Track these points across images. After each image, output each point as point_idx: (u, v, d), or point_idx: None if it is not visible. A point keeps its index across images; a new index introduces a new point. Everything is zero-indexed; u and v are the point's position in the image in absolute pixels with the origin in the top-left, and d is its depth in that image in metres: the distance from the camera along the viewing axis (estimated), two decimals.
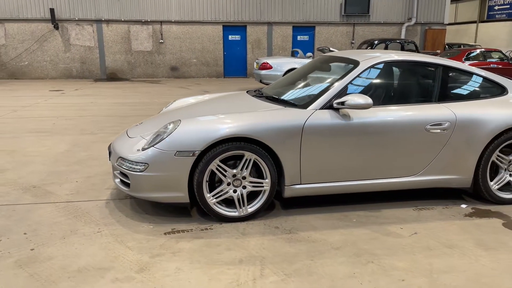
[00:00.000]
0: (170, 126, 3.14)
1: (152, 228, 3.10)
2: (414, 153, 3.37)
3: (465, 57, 12.51)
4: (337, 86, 3.35)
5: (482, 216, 3.35)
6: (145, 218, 3.26)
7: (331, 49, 12.48)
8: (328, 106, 3.28)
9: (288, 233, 3.04)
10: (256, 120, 3.11)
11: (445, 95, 3.54)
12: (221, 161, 3.11)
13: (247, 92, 4.17)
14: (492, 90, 3.69)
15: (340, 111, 3.26)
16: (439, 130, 3.36)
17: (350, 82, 3.37)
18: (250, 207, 3.22)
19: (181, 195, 3.10)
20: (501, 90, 3.68)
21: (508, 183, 3.58)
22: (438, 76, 3.57)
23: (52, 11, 15.94)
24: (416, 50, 15.74)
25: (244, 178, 3.16)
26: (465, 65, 3.69)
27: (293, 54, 13.03)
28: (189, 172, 3.05)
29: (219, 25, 16.99)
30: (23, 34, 16.28)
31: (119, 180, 3.32)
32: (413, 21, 17.85)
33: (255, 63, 12.56)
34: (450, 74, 3.64)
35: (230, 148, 3.05)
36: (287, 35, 17.50)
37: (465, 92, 3.67)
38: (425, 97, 3.55)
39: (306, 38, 17.71)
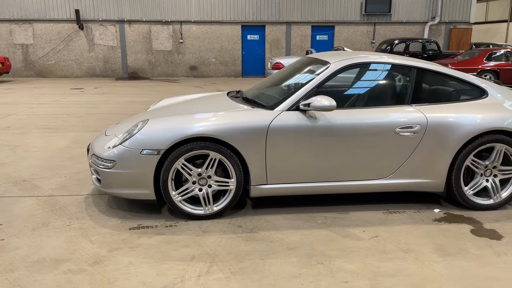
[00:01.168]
0: (139, 125, 3.26)
1: (119, 223, 3.22)
2: (383, 155, 3.35)
3: (485, 58, 12.09)
4: (305, 88, 3.36)
5: (452, 222, 3.28)
6: (116, 214, 3.39)
7: (345, 49, 12.34)
8: (295, 107, 3.30)
9: (249, 232, 3.10)
10: (222, 120, 3.18)
11: (419, 98, 3.49)
12: (188, 159, 3.19)
13: (228, 93, 4.24)
14: (472, 93, 3.60)
15: (307, 113, 3.28)
16: (409, 133, 3.32)
17: (319, 84, 3.38)
18: (216, 206, 3.29)
19: (147, 192, 3.20)
20: (480, 93, 3.59)
21: (485, 188, 3.49)
22: (413, 79, 3.53)
23: (77, 12, 16.51)
24: (438, 50, 15.35)
25: (209, 177, 3.24)
26: (444, 68, 3.62)
27: (307, 54, 12.97)
28: (155, 170, 3.15)
29: (238, 25, 17.11)
30: (50, 34, 16.95)
31: (95, 176, 3.46)
32: (437, 20, 17.39)
33: (269, 63, 12.60)
34: (426, 76, 3.58)
35: (194, 147, 3.13)
36: (305, 35, 17.42)
37: (441, 95, 3.61)
38: (397, 100, 3.51)
39: (325, 37, 17.58)
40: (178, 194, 3.22)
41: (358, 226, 3.20)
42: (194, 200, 3.32)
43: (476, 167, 3.43)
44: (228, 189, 3.28)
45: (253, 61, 17.50)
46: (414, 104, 3.45)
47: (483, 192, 3.51)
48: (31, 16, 16.67)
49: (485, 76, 11.99)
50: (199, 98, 4.28)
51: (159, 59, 17.37)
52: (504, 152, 3.43)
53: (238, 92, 4.23)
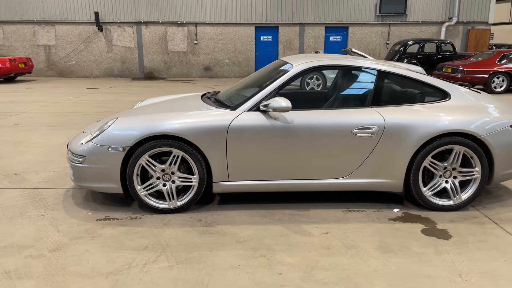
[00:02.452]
0: (108, 123, 3.48)
1: (89, 215, 3.45)
2: (342, 155, 3.45)
3: (498, 60, 11.84)
4: (267, 89, 3.51)
5: (406, 221, 3.36)
6: (89, 206, 3.63)
7: (353, 50, 12.32)
8: (256, 108, 3.45)
9: (207, 226, 3.27)
10: (184, 119, 3.37)
11: (380, 100, 3.58)
12: (155, 156, 3.39)
13: (205, 94, 4.42)
14: (434, 95, 3.66)
15: (268, 114, 3.43)
16: (367, 134, 3.41)
17: (280, 86, 3.52)
18: (180, 201, 3.48)
19: (115, 186, 3.42)
20: (442, 96, 3.64)
21: (446, 189, 3.53)
22: (374, 81, 3.61)
23: (96, 14, 17.10)
24: (454, 51, 15.10)
25: (173, 173, 3.43)
26: (407, 71, 3.69)
27: None
28: (121, 166, 3.36)
29: (252, 26, 17.31)
30: (71, 36, 17.61)
31: (71, 171, 3.71)
32: (454, 20, 17.09)
33: None
34: (388, 79, 3.66)
35: (158, 145, 3.32)
36: (319, 36, 17.44)
37: (402, 97, 3.67)
38: (358, 101, 3.60)
39: (339, 38, 17.55)
40: (143, 188, 3.43)
41: (313, 223, 3.32)
42: (162, 195, 3.51)
43: (435, 169, 3.49)
44: (191, 185, 3.46)
45: (266, 62, 17.63)
46: (375, 106, 3.53)
47: (445, 193, 3.56)
48: (53, 18, 17.37)
49: (498, 78, 11.75)
50: (176, 99, 4.48)
51: (174, 60, 17.76)
52: (464, 154, 3.47)
53: (215, 93, 4.41)
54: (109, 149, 3.33)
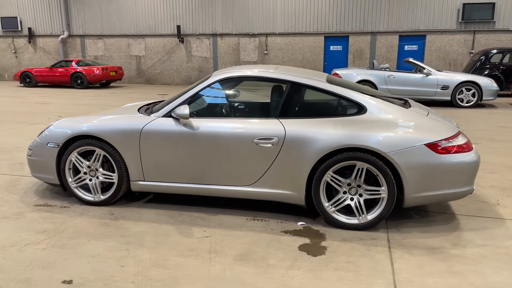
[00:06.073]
0: (52, 123, 4.05)
1: (35, 201, 4.04)
2: (245, 164, 3.51)
3: None
4: (182, 97, 3.74)
5: (297, 235, 3.28)
6: (43, 193, 4.23)
7: (410, 60, 11.59)
8: (169, 114, 3.71)
9: (112, 219, 3.61)
10: (106, 122, 3.77)
11: (289, 112, 3.54)
12: (83, 153, 3.86)
13: (153, 102, 4.77)
14: (349, 109, 3.51)
15: (179, 120, 3.65)
16: (268, 145, 3.43)
17: (194, 94, 3.71)
18: (103, 195, 3.88)
19: (52, 177, 3.96)
20: (358, 109, 3.46)
21: (353, 206, 3.36)
22: (285, 93, 3.59)
23: (178, 27, 18.67)
24: None
25: (97, 170, 3.85)
26: (321, 83, 3.58)
27: (372, 65, 12.54)
28: (57, 160, 3.89)
29: (321, 36, 17.23)
30: (157, 47, 19.47)
31: None
32: None
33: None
34: (300, 91, 3.61)
35: (82, 144, 3.78)
36: (392, 45, 16.64)
37: (314, 110, 3.58)
38: (266, 112, 3.63)
39: (414, 48, 16.53)
40: (74, 181, 3.91)
41: (206, 226, 3.44)
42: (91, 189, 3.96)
43: (338, 184, 3.35)
44: (112, 182, 3.85)
45: None
46: (282, 118, 3.52)
47: (350, 210, 3.39)
48: (144, 32, 19.41)
49: None
50: (129, 105, 4.90)
51: None
52: (370, 172, 3.28)
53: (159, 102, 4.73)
54: (48, 145, 3.88)
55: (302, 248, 3.07)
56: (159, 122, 3.68)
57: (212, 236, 3.26)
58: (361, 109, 3.46)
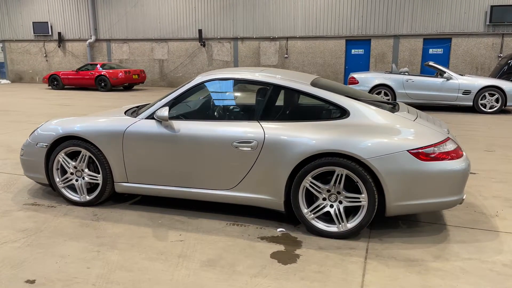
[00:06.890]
0: (42, 124, 4.12)
1: (26, 199, 4.12)
2: (224, 167, 3.45)
3: None
4: (165, 99, 3.72)
5: (272, 241, 3.18)
6: (35, 193, 4.31)
7: (430, 63, 11.22)
8: (152, 116, 3.69)
9: (94, 220, 3.62)
10: (91, 123, 3.80)
11: (271, 115, 3.45)
12: (70, 154, 3.90)
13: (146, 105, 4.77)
14: (332, 113, 3.39)
15: (161, 122, 3.63)
16: (248, 148, 3.35)
17: (177, 96, 3.68)
18: (89, 196, 3.91)
19: (42, 177, 4.02)
20: (341, 113, 3.34)
21: (333, 214, 3.23)
22: (268, 96, 3.51)
23: (200, 31, 18.86)
24: None
25: (83, 170, 3.88)
26: (304, 86, 3.46)
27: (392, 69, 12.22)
28: (45, 160, 3.95)
29: (342, 39, 16.98)
30: (180, 51, 19.73)
31: None
32: None
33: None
34: (284, 94, 3.51)
35: (69, 144, 3.82)
36: (416, 49, 16.18)
37: (296, 113, 3.48)
38: (247, 115, 3.54)
39: (439, 51, 16.02)
40: (62, 181, 3.95)
41: (182, 230, 3.40)
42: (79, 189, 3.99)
43: (317, 191, 3.23)
44: (97, 183, 3.87)
45: None
46: (264, 121, 3.43)
47: (331, 218, 3.26)
48: (167, 36, 19.72)
49: None
50: (127, 107, 4.92)
51: None
52: (350, 178, 3.15)
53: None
54: (37, 145, 3.95)
55: (274, 255, 2.97)
56: (141, 124, 3.67)
57: (186, 240, 3.21)
58: (344, 112, 3.33)
